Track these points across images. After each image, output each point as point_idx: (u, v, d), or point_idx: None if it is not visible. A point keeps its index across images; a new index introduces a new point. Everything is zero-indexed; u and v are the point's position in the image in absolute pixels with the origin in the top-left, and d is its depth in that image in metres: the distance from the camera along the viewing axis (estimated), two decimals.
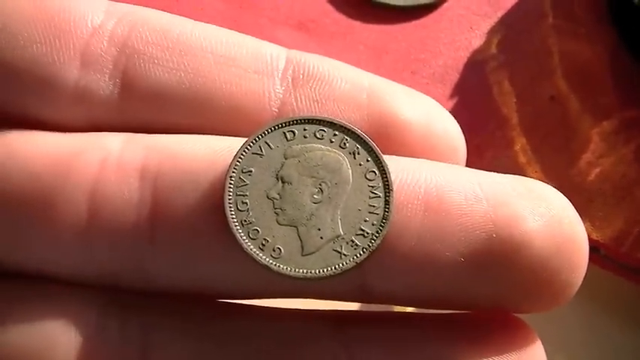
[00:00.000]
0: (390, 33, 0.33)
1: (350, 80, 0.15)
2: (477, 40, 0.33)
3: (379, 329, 0.15)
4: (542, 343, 0.15)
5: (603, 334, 0.29)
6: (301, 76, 0.15)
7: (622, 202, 0.29)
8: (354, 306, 0.15)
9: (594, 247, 0.29)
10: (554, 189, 0.14)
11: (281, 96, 0.15)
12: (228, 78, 0.15)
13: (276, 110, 0.15)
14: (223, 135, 0.15)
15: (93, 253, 0.15)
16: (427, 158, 0.15)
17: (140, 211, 0.14)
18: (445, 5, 0.33)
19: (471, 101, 0.31)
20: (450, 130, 0.16)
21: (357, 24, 0.33)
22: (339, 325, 0.15)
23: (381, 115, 0.15)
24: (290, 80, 0.15)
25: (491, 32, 0.33)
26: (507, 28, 0.33)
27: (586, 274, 0.15)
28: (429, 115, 0.15)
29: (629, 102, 0.31)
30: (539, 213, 0.14)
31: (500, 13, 0.33)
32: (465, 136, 0.16)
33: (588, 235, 0.15)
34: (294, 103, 0.15)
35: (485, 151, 0.30)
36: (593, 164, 0.30)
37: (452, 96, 0.32)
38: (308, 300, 0.15)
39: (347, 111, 0.15)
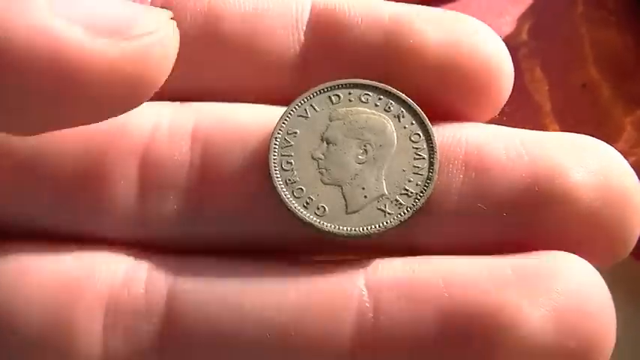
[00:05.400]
0: None
1: (368, 16, 0.15)
2: (507, 27, 0.32)
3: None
4: None
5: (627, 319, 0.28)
6: (323, 25, 0.15)
7: None
8: None
9: None
10: (606, 143, 0.14)
11: (304, 48, 0.15)
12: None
13: (301, 62, 0.15)
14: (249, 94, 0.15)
15: (143, 216, 0.15)
16: (453, 78, 0.15)
17: (190, 173, 0.15)
18: None
19: None
20: (480, 50, 0.15)
21: None
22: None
23: (399, 52, 0.15)
24: (313, 31, 0.15)
25: (522, 18, 0.32)
26: (538, 14, 0.32)
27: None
28: (456, 37, 0.15)
29: None
30: (585, 165, 0.13)
31: (529, 0, 0.33)
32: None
33: None
34: (315, 56, 0.15)
35: None
36: (627, 153, 0.29)
37: None
38: None
39: (366, 55, 0.15)
